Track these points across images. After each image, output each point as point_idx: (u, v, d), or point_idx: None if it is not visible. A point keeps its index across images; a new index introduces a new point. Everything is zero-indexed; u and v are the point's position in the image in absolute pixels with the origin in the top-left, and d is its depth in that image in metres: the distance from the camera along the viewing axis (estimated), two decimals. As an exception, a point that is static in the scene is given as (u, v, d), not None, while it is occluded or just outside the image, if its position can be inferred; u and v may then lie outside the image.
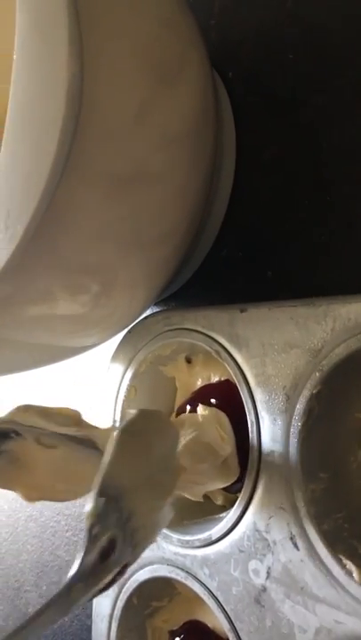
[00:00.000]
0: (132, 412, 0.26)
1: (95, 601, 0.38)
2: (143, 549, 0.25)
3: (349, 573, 0.26)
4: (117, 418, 0.37)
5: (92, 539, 0.22)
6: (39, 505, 0.53)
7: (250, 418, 0.30)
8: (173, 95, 0.28)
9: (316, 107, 0.33)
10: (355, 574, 0.26)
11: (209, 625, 0.35)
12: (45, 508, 0.53)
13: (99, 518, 0.22)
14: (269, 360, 0.30)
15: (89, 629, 0.39)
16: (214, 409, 0.33)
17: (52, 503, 0.51)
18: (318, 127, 0.33)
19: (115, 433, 0.25)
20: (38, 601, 0.54)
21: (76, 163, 0.23)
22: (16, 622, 0.56)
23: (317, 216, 0.33)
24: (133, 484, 0.24)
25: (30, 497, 0.28)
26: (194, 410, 0.34)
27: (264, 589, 0.29)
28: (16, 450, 0.27)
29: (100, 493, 0.23)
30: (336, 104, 0.33)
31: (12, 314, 0.27)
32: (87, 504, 0.23)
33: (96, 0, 0.24)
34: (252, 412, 0.30)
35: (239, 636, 0.30)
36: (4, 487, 0.28)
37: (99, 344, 0.36)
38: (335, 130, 0.33)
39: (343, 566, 0.26)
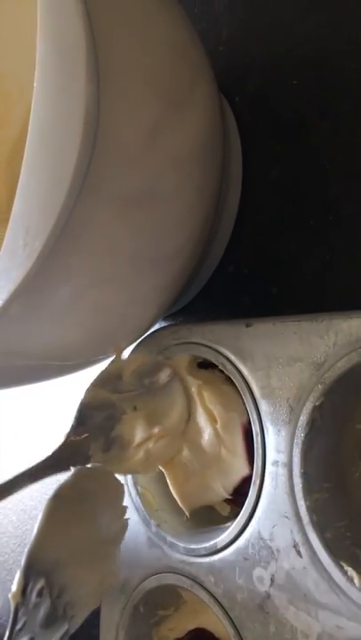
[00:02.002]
0: (71, 471, 0.24)
1: (103, 610, 0.39)
2: (83, 618, 0.23)
3: (351, 580, 0.27)
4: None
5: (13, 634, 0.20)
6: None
7: (255, 429, 0.31)
8: (183, 119, 0.29)
9: (320, 130, 0.35)
10: (356, 580, 0.26)
11: (214, 633, 0.36)
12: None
13: (25, 599, 0.21)
14: (274, 373, 0.30)
15: (96, 638, 0.39)
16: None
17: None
18: (322, 149, 0.35)
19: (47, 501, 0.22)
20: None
21: (91, 183, 0.24)
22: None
23: (321, 234, 0.35)
24: (68, 555, 0.22)
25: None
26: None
27: (268, 596, 0.30)
28: (124, 431, 0.26)
29: (27, 571, 0.21)
30: (339, 128, 0.34)
31: (28, 328, 0.28)
32: (14, 583, 0.21)
33: (112, 29, 0.26)
34: (257, 423, 0.31)
35: (244, 643, 0.31)
36: (124, 473, 0.27)
37: (109, 357, 0.37)
38: (338, 152, 0.34)
39: (345, 573, 0.27)
